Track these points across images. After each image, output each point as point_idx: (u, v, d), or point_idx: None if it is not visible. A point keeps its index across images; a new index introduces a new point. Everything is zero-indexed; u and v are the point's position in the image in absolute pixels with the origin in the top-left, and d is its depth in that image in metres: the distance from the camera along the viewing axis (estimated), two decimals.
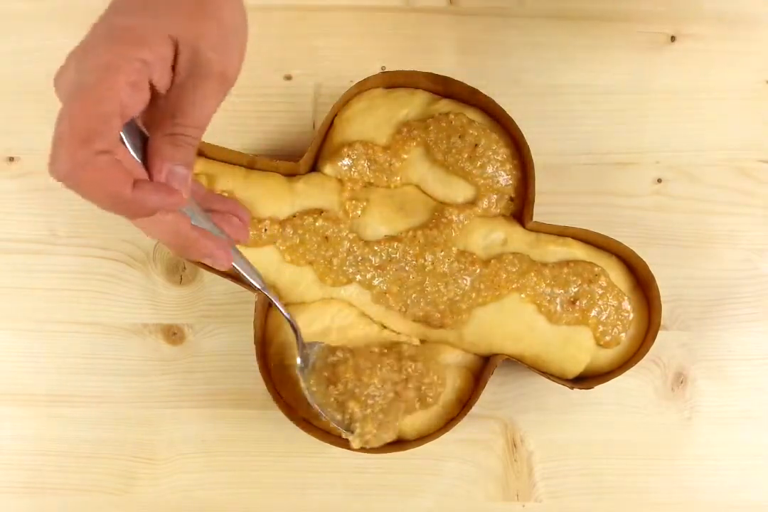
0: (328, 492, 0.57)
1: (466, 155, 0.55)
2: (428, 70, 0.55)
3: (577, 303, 0.53)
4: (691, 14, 0.61)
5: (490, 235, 0.55)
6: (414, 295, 0.53)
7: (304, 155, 0.55)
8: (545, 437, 0.57)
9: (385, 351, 0.52)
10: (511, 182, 0.55)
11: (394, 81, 0.56)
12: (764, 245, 0.59)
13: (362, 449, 0.50)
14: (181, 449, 0.57)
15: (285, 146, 0.59)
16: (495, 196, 0.55)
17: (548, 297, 0.53)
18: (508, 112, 0.55)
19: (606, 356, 0.54)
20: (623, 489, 0.57)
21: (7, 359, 0.58)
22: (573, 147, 0.60)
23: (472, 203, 0.55)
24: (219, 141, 0.54)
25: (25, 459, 0.57)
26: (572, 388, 0.53)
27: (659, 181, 0.59)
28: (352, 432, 0.50)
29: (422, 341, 0.55)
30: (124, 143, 0.36)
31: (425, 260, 0.53)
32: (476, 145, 0.55)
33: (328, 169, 0.55)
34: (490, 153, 0.55)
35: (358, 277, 0.54)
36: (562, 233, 0.55)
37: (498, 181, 0.55)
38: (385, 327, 0.55)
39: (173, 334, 0.58)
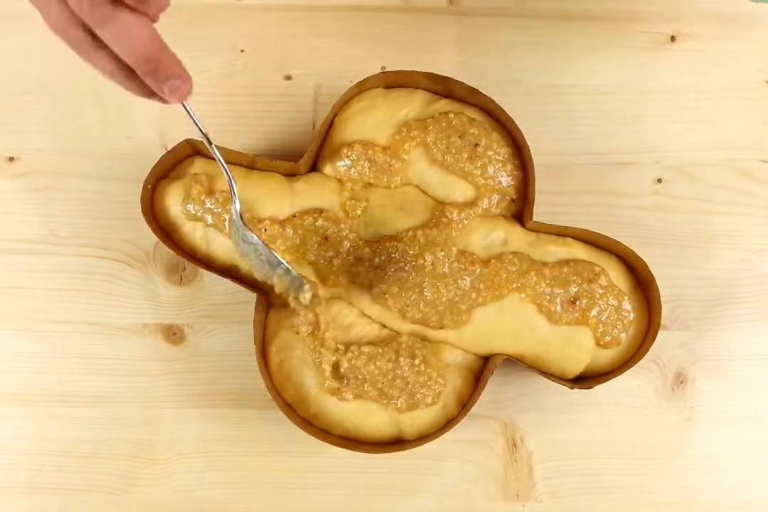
0: (328, 492, 0.57)
1: (466, 155, 0.55)
2: (428, 70, 0.55)
3: (577, 303, 0.53)
4: (691, 14, 0.61)
5: (490, 235, 0.55)
6: (413, 296, 0.53)
7: (304, 155, 0.55)
8: (545, 437, 0.57)
9: None
10: (512, 183, 0.55)
11: (394, 81, 0.56)
12: (764, 245, 0.59)
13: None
14: (181, 449, 0.57)
15: (285, 146, 0.60)
16: (496, 196, 0.55)
17: (548, 297, 0.53)
18: (508, 112, 0.55)
19: (606, 356, 0.54)
20: (623, 489, 0.57)
21: (7, 359, 0.58)
22: (573, 147, 0.60)
23: (472, 203, 0.55)
24: (219, 141, 0.54)
25: (25, 459, 0.57)
26: (572, 388, 0.53)
27: (659, 181, 0.59)
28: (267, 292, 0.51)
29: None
30: None
31: (425, 260, 0.53)
32: (476, 145, 0.55)
33: (328, 169, 0.55)
34: (491, 153, 0.55)
35: (357, 277, 0.54)
36: (562, 233, 0.55)
37: (499, 182, 0.55)
38: (385, 326, 0.55)
39: (173, 334, 0.58)
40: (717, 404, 0.57)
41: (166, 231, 0.55)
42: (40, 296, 0.58)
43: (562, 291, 0.53)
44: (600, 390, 0.53)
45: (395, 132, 0.55)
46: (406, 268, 0.53)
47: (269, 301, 0.55)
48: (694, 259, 0.59)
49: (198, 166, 0.55)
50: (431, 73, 0.55)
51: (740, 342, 0.58)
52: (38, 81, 0.60)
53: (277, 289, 0.50)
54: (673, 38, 0.61)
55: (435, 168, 0.55)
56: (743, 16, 0.61)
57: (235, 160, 0.55)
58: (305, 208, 0.54)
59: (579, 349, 0.54)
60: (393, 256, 0.53)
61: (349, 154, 0.55)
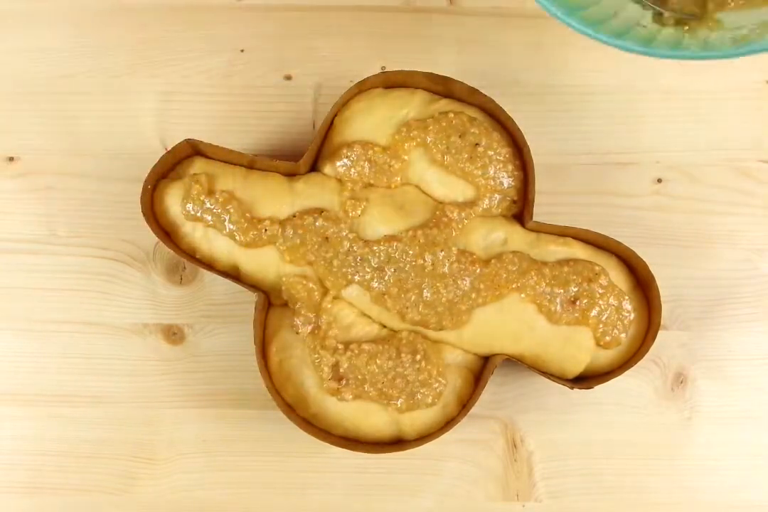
0: (328, 492, 0.57)
1: (466, 155, 0.55)
2: (428, 70, 0.55)
3: (578, 302, 0.53)
4: None
5: (490, 235, 0.55)
6: (413, 298, 0.53)
7: (304, 155, 0.55)
8: (545, 437, 0.57)
9: None
10: (513, 184, 0.55)
11: (393, 81, 0.56)
12: (764, 245, 0.59)
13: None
14: (181, 449, 0.57)
15: (285, 146, 0.60)
16: (497, 196, 0.55)
17: (548, 297, 0.53)
18: (508, 112, 0.55)
19: (606, 356, 0.54)
20: (623, 489, 0.57)
21: (7, 359, 0.58)
22: (573, 147, 0.60)
23: (472, 203, 0.55)
24: (219, 141, 0.55)
25: (25, 459, 0.57)
26: (572, 388, 0.53)
27: (659, 181, 0.59)
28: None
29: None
30: None
31: (425, 260, 0.53)
32: (477, 145, 0.55)
33: (327, 169, 0.55)
34: (491, 153, 0.55)
35: (357, 278, 0.54)
36: (562, 233, 0.55)
37: (500, 182, 0.55)
38: (384, 326, 0.55)
39: (173, 334, 0.58)
40: (717, 404, 0.57)
41: (166, 231, 0.55)
42: (40, 296, 0.58)
43: (562, 291, 0.53)
44: (600, 390, 0.53)
45: (395, 132, 0.55)
46: (406, 269, 0.53)
47: (269, 301, 0.55)
48: (694, 259, 0.59)
49: (198, 166, 0.55)
50: (431, 73, 0.55)
51: (740, 342, 0.58)
52: (38, 81, 0.60)
53: None
54: None
55: (435, 168, 0.55)
56: None
57: (235, 160, 0.55)
58: (305, 208, 0.54)
59: (579, 349, 0.54)
60: (393, 256, 0.53)
61: (348, 154, 0.55)
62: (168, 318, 0.58)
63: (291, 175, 0.56)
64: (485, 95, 0.55)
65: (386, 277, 0.53)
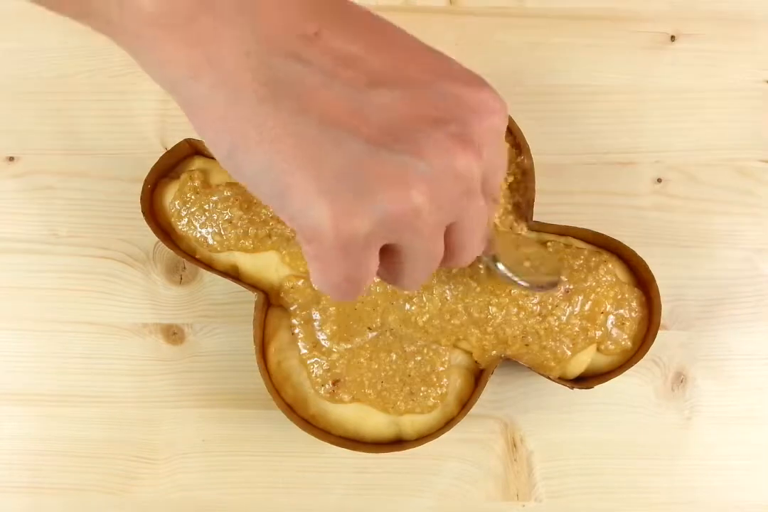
0: (328, 492, 0.57)
1: None
2: None
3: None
4: (691, 14, 0.61)
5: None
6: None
7: None
8: (545, 437, 0.57)
9: None
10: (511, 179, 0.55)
11: None
12: (764, 245, 0.59)
13: None
14: (181, 449, 0.57)
15: None
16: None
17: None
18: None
19: (606, 356, 0.54)
20: (623, 489, 0.57)
21: (7, 359, 0.58)
22: (573, 147, 0.60)
23: None
24: None
25: (24, 459, 0.57)
26: (572, 388, 0.53)
27: (659, 180, 0.59)
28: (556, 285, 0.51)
29: None
30: None
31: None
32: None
33: None
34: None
35: None
36: (563, 233, 0.55)
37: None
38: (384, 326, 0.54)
39: (173, 334, 0.58)
40: (717, 404, 0.57)
41: (165, 231, 0.55)
42: (39, 296, 0.58)
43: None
44: (600, 390, 0.53)
45: None
46: None
47: (269, 301, 0.55)
48: (694, 259, 0.59)
49: (198, 165, 0.55)
50: None
51: (740, 342, 0.58)
52: (38, 81, 0.60)
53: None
54: (673, 38, 0.61)
55: None
56: (743, 16, 0.61)
57: None
58: None
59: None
60: None
61: None
62: (168, 318, 0.58)
63: None
64: None
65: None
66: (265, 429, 0.57)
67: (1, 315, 0.58)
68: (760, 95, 0.60)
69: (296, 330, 0.53)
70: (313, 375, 0.53)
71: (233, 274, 0.55)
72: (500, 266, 0.48)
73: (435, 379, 0.53)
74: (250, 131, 0.29)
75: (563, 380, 0.54)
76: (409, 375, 0.53)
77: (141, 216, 0.53)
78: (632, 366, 0.53)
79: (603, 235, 0.54)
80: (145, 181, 0.54)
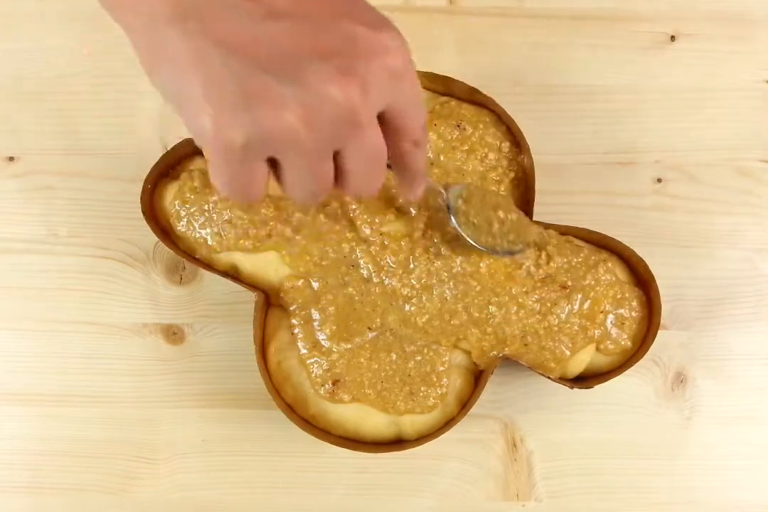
0: (328, 492, 0.57)
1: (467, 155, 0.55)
2: (428, 70, 0.55)
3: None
4: (691, 14, 0.61)
5: None
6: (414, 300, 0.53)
7: None
8: (545, 437, 0.57)
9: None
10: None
11: None
12: (764, 245, 0.59)
13: None
14: (181, 449, 0.57)
15: None
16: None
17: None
18: (508, 112, 0.55)
19: (606, 356, 0.54)
20: (623, 489, 0.57)
21: (7, 359, 0.58)
22: (573, 147, 0.60)
23: None
24: None
25: (24, 459, 0.57)
26: (572, 388, 0.53)
27: (659, 180, 0.59)
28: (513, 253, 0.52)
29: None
30: None
31: (432, 265, 0.53)
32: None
33: None
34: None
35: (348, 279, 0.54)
36: (563, 232, 0.55)
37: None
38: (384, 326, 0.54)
39: (173, 334, 0.58)
40: (717, 404, 0.57)
41: (165, 231, 0.55)
42: (40, 296, 0.58)
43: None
44: (600, 390, 0.53)
45: None
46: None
47: (269, 301, 0.55)
48: (694, 259, 0.59)
49: (197, 165, 0.55)
50: (431, 73, 0.55)
51: (740, 342, 0.58)
52: (38, 81, 0.60)
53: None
54: (673, 38, 0.61)
55: (434, 168, 0.55)
56: (743, 16, 0.61)
57: None
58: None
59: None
60: (393, 266, 0.53)
61: None
62: (168, 318, 0.58)
63: None
64: (485, 95, 0.55)
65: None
66: (265, 429, 0.57)
67: (1, 315, 0.58)
68: (760, 95, 0.60)
69: (296, 330, 0.53)
70: (313, 375, 0.53)
71: (233, 274, 0.55)
72: (453, 219, 0.50)
73: (435, 379, 0.53)
74: (161, 49, 0.34)
75: (563, 380, 0.54)
76: (409, 375, 0.53)
77: (141, 216, 0.53)
78: (632, 366, 0.53)
79: (603, 234, 0.54)
80: (145, 181, 0.54)
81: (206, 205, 0.54)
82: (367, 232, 0.53)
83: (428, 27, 0.60)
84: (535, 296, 0.53)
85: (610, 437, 0.57)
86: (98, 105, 0.60)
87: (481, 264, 0.53)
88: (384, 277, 0.53)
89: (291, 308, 0.54)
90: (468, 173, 0.54)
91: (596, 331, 0.53)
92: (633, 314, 0.54)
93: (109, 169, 0.59)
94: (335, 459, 0.57)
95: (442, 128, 0.54)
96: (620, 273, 0.55)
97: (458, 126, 0.55)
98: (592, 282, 0.53)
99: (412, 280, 0.53)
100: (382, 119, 0.37)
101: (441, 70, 0.55)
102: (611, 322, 0.54)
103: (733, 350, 0.58)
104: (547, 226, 0.55)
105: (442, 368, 0.53)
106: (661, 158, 0.60)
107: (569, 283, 0.53)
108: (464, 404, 0.54)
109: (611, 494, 0.57)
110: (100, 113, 0.60)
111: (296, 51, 0.33)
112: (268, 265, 0.54)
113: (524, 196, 0.55)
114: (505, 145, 0.55)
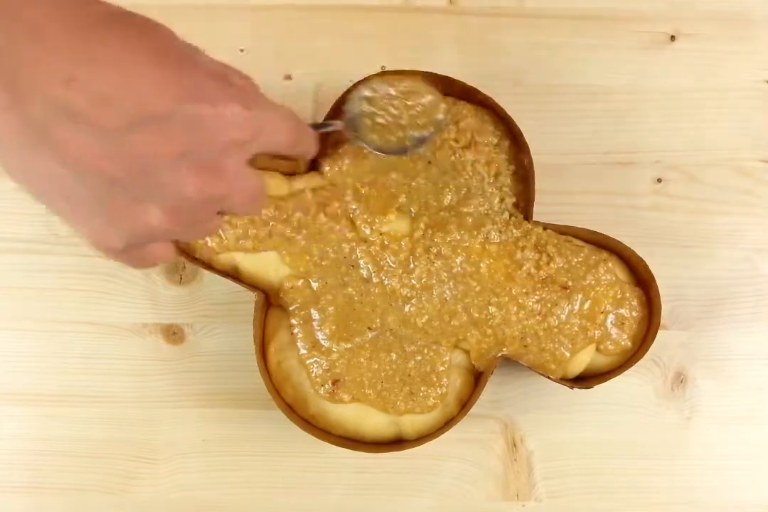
0: (328, 492, 0.57)
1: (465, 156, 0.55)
2: (428, 69, 0.55)
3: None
4: (691, 14, 0.61)
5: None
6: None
7: None
8: (545, 437, 0.57)
9: None
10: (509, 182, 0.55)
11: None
12: (764, 245, 0.59)
13: None
14: (181, 449, 0.57)
15: None
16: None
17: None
18: (508, 112, 0.55)
19: (606, 356, 0.54)
20: (623, 489, 0.57)
21: (7, 359, 0.58)
22: (573, 147, 0.60)
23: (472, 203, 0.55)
24: None
25: (24, 459, 0.57)
26: (572, 388, 0.53)
27: (659, 180, 0.59)
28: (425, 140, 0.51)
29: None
30: None
31: (433, 264, 0.53)
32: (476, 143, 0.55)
33: (327, 168, 0.55)
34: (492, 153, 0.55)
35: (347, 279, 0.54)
36: (563, 232, 0.55)
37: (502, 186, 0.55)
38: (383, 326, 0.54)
39: (173, 334, 0.58)
40: (717, 404, 0.57)
41: None
42: (40, 296, 0.58)
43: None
44: (600, 390, 0.53)
45: None
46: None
47: (269, 301, 0.55)
48: (694, 259, 0.59)
49: None
50: (431, 73, 0.55)
51: (740, 342, 0.58)
52: None
53: None
54: (673, 38, 0.61)
55: (432, 169, 0.55)
56: (743, 16, 0.61)
57: None
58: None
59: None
60: (392, 266, 0.53)
61: (348, 154, 0.55)
62: (168, 318, 0.58)
63: (291, 174, 0.56)
64: (485, 95, 0.55)
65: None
66: (265, 429, 0.57)
67: (1, 315, 0.58)
68: (760, 95, 0.60)
69: (296, 330, 0.53)
70: (313, 375, 0.53)
71: (233, 274, 0.55)
72: (358, 140, 0.50)
73: (435, 379, 0.53)
74: (19, 173, 0.34)
75: (563, 380, 0.54)
76: (409, 375, 0.53)
77: None
78: (632, 366, 0.53)
79: (603, 234, 0.54)
80: None
81: None
82: (367, 231, 0.53)
83: (428, 27, 0.60)
84: (536, 297, 0.53)
85: (610, 437, 0.57)
86: None
87: (482, 265, 0.53)
88: (384, 277, 0.53)
89: (291, 308, 0.54)
90: (465, 171, 0.54)
91: (596, 332, 0.53)
92: (633, 314, 0.54)
93: None
94: (335, 459, 0.57)
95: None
96: (620, 273, 0.55)
97: (457, 125, 0.55)
98: (593, 282, 0.53)
99: (412, 280, 0.53)
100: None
101: (441, 70, 0.55)
102: (611, 322, 0.54)
103: (733, 350, 0.58)
104: (546, 226, 0.55)
105: (442, 368, 0.53)
106: (661, 158, 0.60)
107: (570, 284, 0.53)
108: (464, 404, 0.54)
109: (611, 494, 0.57)
110: None
111: (150, 159, 0.33)
112: (268, 265, 0.54)
113: (524, 195, 0.55)
114: (505, 145, 0.55)
